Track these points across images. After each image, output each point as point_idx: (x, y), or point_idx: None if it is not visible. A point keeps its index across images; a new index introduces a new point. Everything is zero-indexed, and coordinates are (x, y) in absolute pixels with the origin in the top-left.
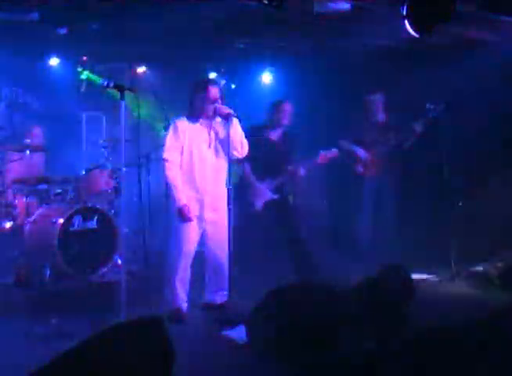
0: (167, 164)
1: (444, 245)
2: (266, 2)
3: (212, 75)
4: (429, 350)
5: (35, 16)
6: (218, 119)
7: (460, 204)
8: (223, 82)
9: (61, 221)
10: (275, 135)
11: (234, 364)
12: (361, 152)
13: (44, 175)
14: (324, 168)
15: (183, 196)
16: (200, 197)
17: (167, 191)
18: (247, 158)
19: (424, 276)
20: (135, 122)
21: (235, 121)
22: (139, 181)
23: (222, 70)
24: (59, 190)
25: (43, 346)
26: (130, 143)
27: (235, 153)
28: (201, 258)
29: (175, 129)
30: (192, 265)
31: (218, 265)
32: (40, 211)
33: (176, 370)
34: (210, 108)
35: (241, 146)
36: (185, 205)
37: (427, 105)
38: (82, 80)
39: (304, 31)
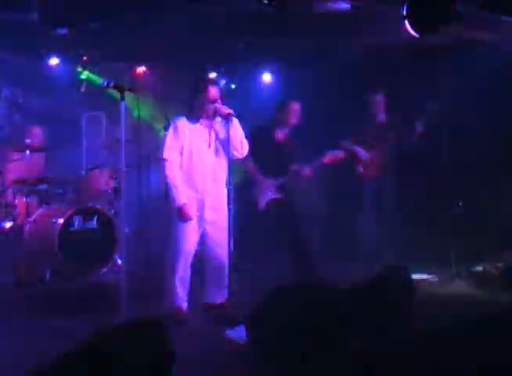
0: (166, 163)
1: (444, 245)
2: (266, 2)
3: (212, 75)
4: (429, 350)
5: (35, 16)
6: (218, 119)
7: (460, 204)
8: (223, 82)
9: (61, 221)
10: (281, 135)
11: (234, 364)
12: (361, 152)
13: (44, 175)
14: (324, 167)
15: (183, 195)
16: (200, 196)
17: (167, 191)
18: (252, 156)
19: (424, 276)
20: (135, 122)
21: (235, 120)
22: (139, 181)
23: (222, 70)
24: (59, 190)
25: (43, 346)
26: (130, 143)
27: (235, 153)
28: (201, 257)
29: (175, 129)
30: (193, 265)
31: (218, 265)
32: (40, 211)
33: (176, 370)
34: (210, 108)
35: (241, 146)
36: (185, 204)
37: (427, 105)
38: (82, 80)
39: (304, 31)
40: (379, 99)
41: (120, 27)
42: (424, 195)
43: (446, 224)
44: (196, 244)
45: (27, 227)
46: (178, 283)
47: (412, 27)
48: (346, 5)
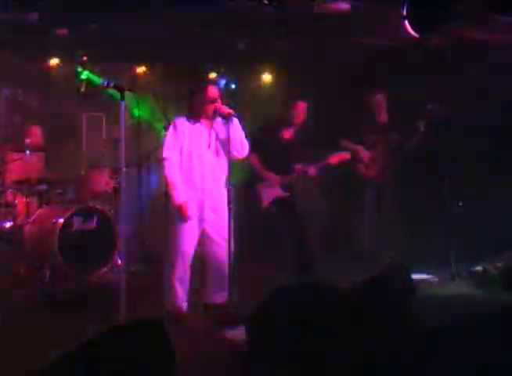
0: (166, 163)
1: (444, 245)
2: (266, 2)
3: (212, 75)
4: (429, 350)
5: (35, 16)
6: (219, 119)
7: (460, 204)
8: (223, 82)
9: (61, 221)
10: (287, 134)
11: (234, 364)
12: (362, 152)
13: (44, 175)
14: (324, 167)
15: (182, 194)
16: (200, 196)
17: (167, 191)
18: (258, 154)
19: (424, 276)
20: (135, 122)
21: (235, 120)
22: (139, 181)
23: (222, 70)
24: (58, 190)
25: (43, 346)
26: (130, 143)
27: (235, 153)
28: (202, 257)
29: (175, 128)
30: (193, 265)
31: (219, 265)
32: (40, 211)
33: (176, 370)
34: (210, 108)
35: (241, 147)
36: (184, 204)
37: (428, 105)
38: (82, 80)
39: (304, 31)
40: (379, 100)
41: (120, 27)
42: (424, 195)
43: (446, 224)
44: (195, 244)
45: (26, 227)
46: (177, 283)
47: (412, 27)
48: (346, 5)
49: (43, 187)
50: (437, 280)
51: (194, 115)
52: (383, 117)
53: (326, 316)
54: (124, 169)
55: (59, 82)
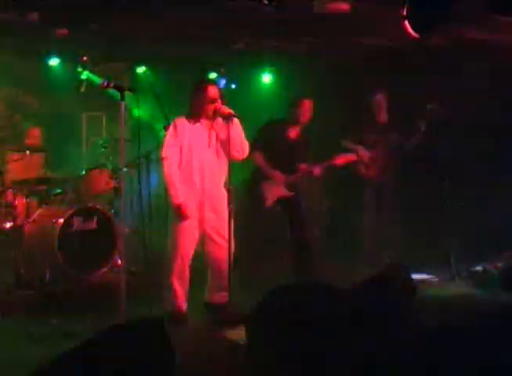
0: (165, 162)
1: (444, 245)
2: (266, 2)
3: (212, 75)
4: (429, 350)
5: (35, 16)
6: (219, 120)
7: (460, 204)
8: (223, 82)
9: (61, 221)
10: (293, 133)
11: (234, 364)
12: (363, 152)
13: (44, 175)
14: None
15: (181, 194)
16: (200, 196)
17: (166, 190)
18: (263, 153)
19: (424, 276)
20: (135, 122)
21: (235, 121)
22: (139, 181)
23: (222, 70)
24: (59, 190)
25: (43, 346)
26: (130, 143)
27: (235, 154)
28: (202, 257)
29: (175, 128)
30: (193, 265)
31: (219, 265)
32: (40, 211)
33: (176, 370)
34: (210, 108)
35: (241, 147)
36: (183, 203)
37: (428, 105)
38: (82, 80)
39: (304, 31)
40: (379, 99)
41: (120, 27)
42: (424, 195)
43: (446, 224)
44: (195, 245)
45: (26, 227)
46: (177, 283)
47: (412, 27)
48: (346, 5)
49: (43, 187)
50: (437, 280)
51: (194, 115)
52: (383, 117)
53: (326, 316)
54: (124, 169)
55: (59, 82)
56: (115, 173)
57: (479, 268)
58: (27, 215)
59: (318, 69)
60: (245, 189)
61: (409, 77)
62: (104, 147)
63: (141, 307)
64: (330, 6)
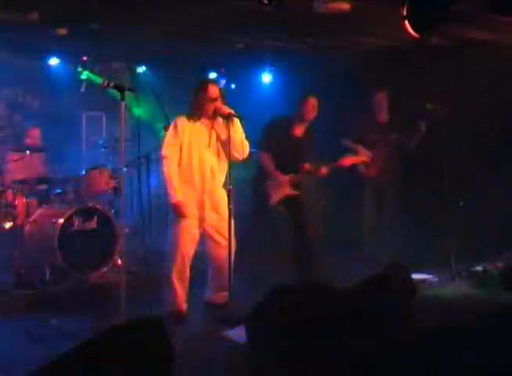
0: (164, 160)
1: (444, 245)
2: (266, 2)
3: (212, 75)
4: (429, 350)
5: (35, 16)
6: (220, 120)
7: (460, 204)
8: (223, 82)
9: (61, 221)
10: (299, 131)
11: (234, 364)
12: (364, 152)
13: (44, 175)
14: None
15: (178, 193)
16: (200, 196)
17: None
18: (268, 150)
19: (424, 276)
20: (135, 122)
21: (236, 121)
22: (139, 181)
23: (222, 70)
24: (58, 190)
25: (43, 346)
26: (130, 143)
27: (235, 154)
28: (202, 257)
29: (175, 127)
30: (193, 265)
31: (219, 265)
32: (40, 211)
33: (176, 370)
34: (210, 107)
35: (242, 148)
36: (180, 202)
37: (428, 105)
38: (82, 80)
39: (304, 31)
40: (380, 98)
41: (120, 27)
42: (424, 195)
43: (446, 224)
44: (196, 245)
45: (26, 227)
46: (177, 283)
47: (412, 28)
48: (346, 5)
49: (43, 187)
50: (437, 280)
51: (194, 114)
52: (383, 116)
53: (326, 316)
54: (124, 169)
55: (59, 82)
56: (115, 173)
57: (479, 268)
58: (27, 215)
59: (318, 69)
60: (250, 187)
61: (409, 77)
62: (104, 147)
63: (141, 307)
64: (330, 6)
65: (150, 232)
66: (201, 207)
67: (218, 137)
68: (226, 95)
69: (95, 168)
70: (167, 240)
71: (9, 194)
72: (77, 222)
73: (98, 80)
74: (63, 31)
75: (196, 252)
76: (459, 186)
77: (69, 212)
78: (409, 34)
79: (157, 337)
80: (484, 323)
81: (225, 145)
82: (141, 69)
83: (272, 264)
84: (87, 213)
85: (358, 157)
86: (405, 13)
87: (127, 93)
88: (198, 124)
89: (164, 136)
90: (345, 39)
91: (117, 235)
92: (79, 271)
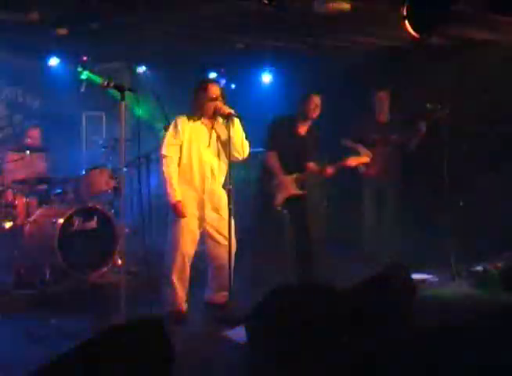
0: (164, 160)
1: (444, 245)
2: (266, 2)
3: (212, 75)
4: (429, 350)
5: (35, 16)
6: (220, 120)
7: (460, 204)
8: (223, 82)
9: (61, 221)
10: (303, 129)
11: (234, 364)
12: (364, 151)
13: (44, 175)
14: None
15: (177, 193)
16: (200, 196)
17: (164, 188)
18: (273, 149)
19: (424, 276)
20: (135, 122)
21: (236, 121)
22: (139, 181)
23: (222, 70)
24: (58, 190)
25: (43, 346)
26: (130, 143)
27: (236, 154)
28: (202, 257)
29: (175, 126)
30: (193, 265)
31: (219, 265)
32: (40, 211)
33: (176, 370)
34: (211, 106)
35: (242, 148)
36: (179, 202)
37: (428, 105)
38: (82, 80)
39: (304, 31)
40: (382, 96)
41: (120, 27)
42: (425, 195)
43: (446, 224)
44: (196, 244)
45: (27, 227)
46: (178, 283)
47: (412, 28)
48: (346, 5)
49: (43, 187)
50: (437, 280)
51: (195, 114)
52: (383, 116)
53: (326, 316)
54: (124, 169)
55: (59, 82)
56: (115, 173)
57: (479, 268)
58: (27, 215)
59: (318, 69)
60: (255, 187)
61: (409, 77)
62: (104, 147)
63: (141, 307)
64: (330, 6)
65: (150, 232)
66: (201, 207)
67: (218, 137)
68: (226, 95)
69: (95, 168)
70: (167, 240)
71: (9, 194)
72: (77, 222)
73: (98, 80)
74: (63, 31)
75: (196, 252)
76: (459, 186)
77: (69, 212)
78: (409, 34)
79: (157, 337)
80: (484, 323)
81: (225, 145)
82: (141, 69)
83: (274, 264)
84: (87, 213)
85: (361, 158)
86: (405, 13)
87: (127, 93)
88: (198, 123)
89: (164, 136)
90: (345, 39)
91: (117, 235)
92: (79, 271)
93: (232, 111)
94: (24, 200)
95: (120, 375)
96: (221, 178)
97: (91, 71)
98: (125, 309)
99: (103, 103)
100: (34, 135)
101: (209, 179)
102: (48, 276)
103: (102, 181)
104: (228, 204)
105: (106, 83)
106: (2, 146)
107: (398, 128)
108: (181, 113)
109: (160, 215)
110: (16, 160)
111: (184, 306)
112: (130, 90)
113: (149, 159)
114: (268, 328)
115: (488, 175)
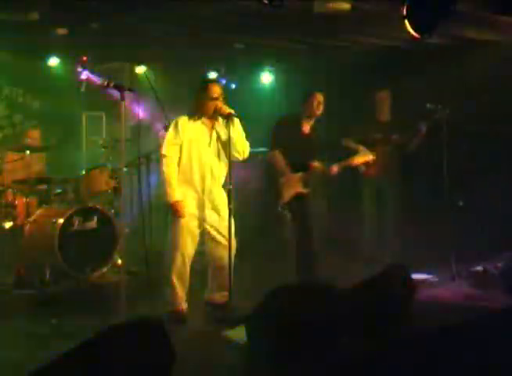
0: (164, 159)
1: (444, 245)
2: (266, 2)
3: (212, 75)
4: (429, 350)
5: (35, 16)
6: (220, 120)
7: (460, 204)
8: (223, 82)
9: (61, 221)
10: (307, 127)
11: (234, 364)
12: (365, 151)
13: (44, 175)
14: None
15: (177, 192)
16: (200, 196)
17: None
18: (278, 148)
19: (424, 276)
20: (135, 122)
21: (236, 121)
22: (139, 181)
23: (222, 70)
24: (58, 190)
25: (43, 346)
26: (130, 143)
27: (236, 154)
28: (202, 257)
29: (175, 126)
30: (193, 265)
31: (219, 265)
32: (40, 211)
33: (176, 370)
34: (211, 106)
35: (242, 148)
36: (178, 201)
37: (428, 105)
38: (82, 80)
39: (304, 31)
40: (381, 99)
41: (120, 27)
42: (424, 195)
43: (446, 224)
44: (196, 244)
45: (26, 227)
46: (177, 283)
47: (412, 27)
48: (346, 5)
49: (43, 187)
50: (437, 280)
51: (195, 114)
52: (383, 116)
53: (326, 316)
54: (124, 169)
55: (59, 82)
56: (115, 173)
57: (479, 268)
58: (27, 215)
59: (318, 69)
60: (263, 186)
61: (409, 77)
62: (104, 147)
63: (141, 307)
64: (330, 6)
65: (150, 232)
66: (201, 206)
67: (218, 137)
68: (226, 95)
69: (95, 167)
70: (167, 240)
71: (9, 194)
72: (77, 222)
73: (98, 80)
74: (63, 31)
75: (196, 252)
76: (459, 186)
77: (69, 212)
78: (409, 34)
79: (157, 337)
80: (484, 323)
81: (225, 145)
82: (141, 69)
83: (274, 264)
84: (87, 213)
85: (366, 156)
86: (405, 13)
87: (127, 93)
88: (198, 123)
89: (164, 136)
90: (345, 39)
91: (117, 235)
92: (79, 271)
93: (233, 111)
94: (24, 200)
95: (120, 375)
96: (221, 178)
97: (91, 71)
98: (125, 309)
99: (103, 103)
100: (34, 136)
101: (209, 179)
102: (48, 276)
103: (102, 181)
104: (229, 204)
105: (106, 83)
106: (2, 146)
107: (399, 128)
108: (181, 114)
109: (160, 215)
110: (16, 160)
111: (184, 306)
112: (130, 90)
113: (149, 159)
114: (268, 328)
115: (488, 175)
